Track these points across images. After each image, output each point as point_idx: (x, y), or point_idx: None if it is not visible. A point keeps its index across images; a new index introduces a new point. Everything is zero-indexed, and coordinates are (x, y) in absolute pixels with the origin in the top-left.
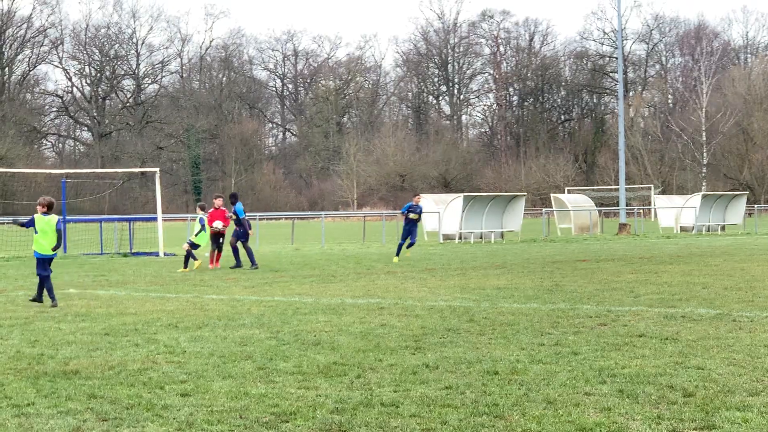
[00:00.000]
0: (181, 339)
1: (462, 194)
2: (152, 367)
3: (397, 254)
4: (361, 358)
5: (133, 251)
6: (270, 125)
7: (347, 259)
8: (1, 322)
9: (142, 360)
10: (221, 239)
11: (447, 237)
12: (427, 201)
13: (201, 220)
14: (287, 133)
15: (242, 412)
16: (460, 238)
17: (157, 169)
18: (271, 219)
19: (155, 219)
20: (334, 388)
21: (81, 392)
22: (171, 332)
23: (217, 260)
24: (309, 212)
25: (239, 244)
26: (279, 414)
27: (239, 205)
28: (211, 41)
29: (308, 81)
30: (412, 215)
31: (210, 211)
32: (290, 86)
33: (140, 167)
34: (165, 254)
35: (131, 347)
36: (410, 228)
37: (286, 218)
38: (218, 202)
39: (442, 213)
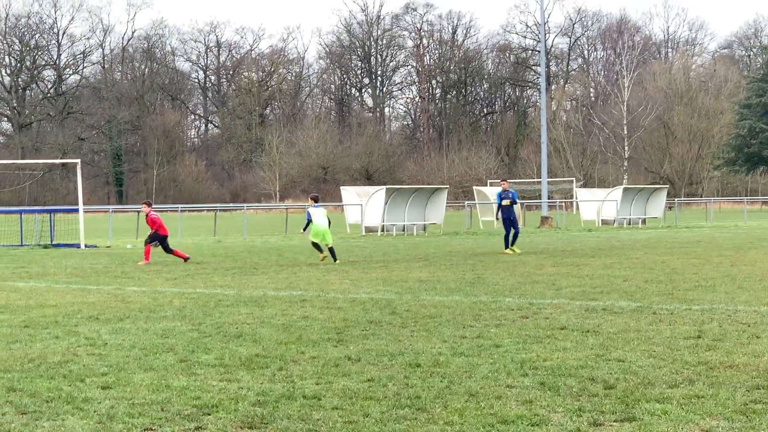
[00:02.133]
0: (102, 331)
1: (384, 187)
2: (73, 359)
3: (506, 246)
4: (283, 350)
5: (53, 243)
6: (192, 117)
7: (269, 252)
8: None
9: (62, 352)
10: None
11: (369, 229)
12: (349, 193)
13: (308, 214)
14: (210, 124)
15: (164, 405)
16: (382, 230)
17: (78, 161)
18: (192, 211)
19: (76, 210)
20: (256, 381)
21: (0, 386)
22: (92, 324)
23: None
24: (231, 204)
25: None
26: (201, 406)
27: None
28: (133, 32)
29: (231, 72)
30: (505, 202)
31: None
32: (213, 78)
33: (61, 158)
34: (86, 246)
35: (51, 340)
36: (507, 216)
37: (208, 210)
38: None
39: (364, 205)
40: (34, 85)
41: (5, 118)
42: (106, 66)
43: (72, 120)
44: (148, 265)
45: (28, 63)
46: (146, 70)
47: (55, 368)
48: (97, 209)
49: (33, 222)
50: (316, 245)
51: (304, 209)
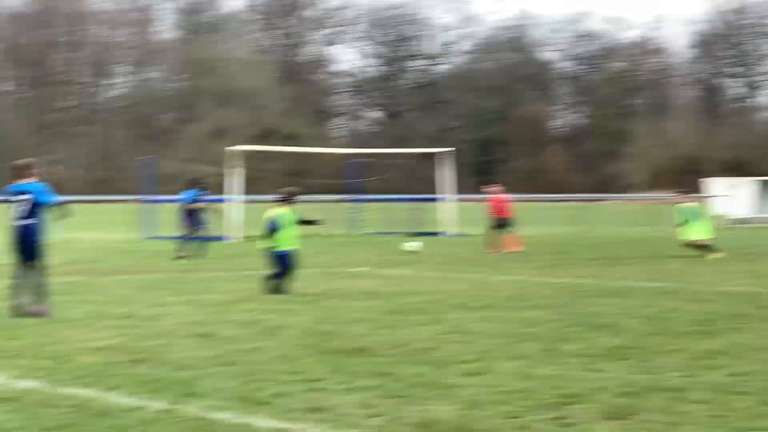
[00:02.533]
0: (468, 319)
1: (756, 178)
2: (438, 346)
3: None
4: (647, 341)
5: (420, 231)
6: (558, 107)
7: (634, 242)
8: (294, 298)
9: (428, 339)
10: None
11: (740, 221)
12: (718, 185)
13: (687, 211)
14: (575, 115)
15: (527, 394)
16: (753, 222)
17: (446, 150)
18: (557, 201)
19: (443, 199)
20: (619, 372)
21: (368, 369)
22: (458, 312)
23: (513, 244)
24: (596, 194)
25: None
26: (564, 396)
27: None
28: (500, 22)
29: (598, 62)
30: None
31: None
32: (579, 68)
33: (429, 147)
34: (452, 234)
35: (418, 326)
36: None
37: (573, 201)
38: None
39: (734, 197)
40: (403, 75)
41: (376, 108)
42: (473, 56)
43: (440, 109)
44: (515, 253)
45: (398, 53)
46: (513, 60)
47: (421, 354)
48: (463, 198)
49: (402, 211)
50: (700, 245)
51: (673, 202)
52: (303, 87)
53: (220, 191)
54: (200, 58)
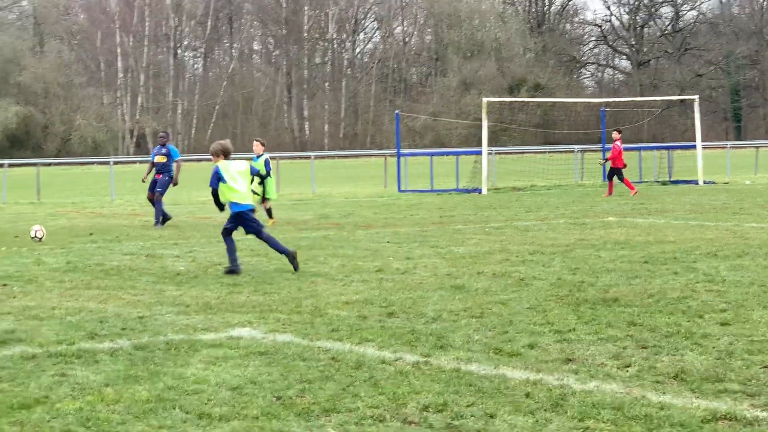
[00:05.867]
0: (721, 267)
1: None
2: (691, 295)
3: None
4: None
5: (672, 179)
6: None
7: None
8: (543, 249)
9: (681, 288)
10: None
11: None
12: None
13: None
14: None
15: None
16: None
17: (696, 97)
18: None
19: (694, 147)
20: None
21: (620, 319)
22: (710, 261)
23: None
24: None
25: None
26: None
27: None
28: None
29: None
30: None
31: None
32: None
33: (679, 95)
34: (704, 182)
35: (670, 275)
36: None
37: None
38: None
39: None
40: (651, 23)
41: (624, 56)
42: (723, 1)
43: (689, 56)
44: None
45: (646, 1)
46: (765, 3)
47: (674, 304)
48: (715, 145)
49: (651, 159)
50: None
51: None
52: (550, 37)
53: (467, 144)
54: (447, 11)
